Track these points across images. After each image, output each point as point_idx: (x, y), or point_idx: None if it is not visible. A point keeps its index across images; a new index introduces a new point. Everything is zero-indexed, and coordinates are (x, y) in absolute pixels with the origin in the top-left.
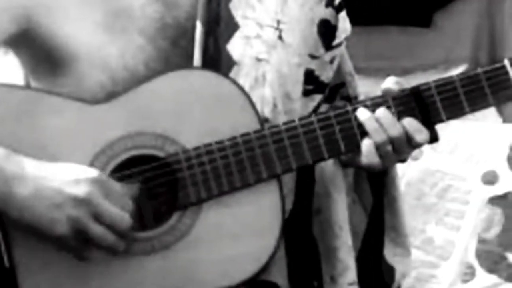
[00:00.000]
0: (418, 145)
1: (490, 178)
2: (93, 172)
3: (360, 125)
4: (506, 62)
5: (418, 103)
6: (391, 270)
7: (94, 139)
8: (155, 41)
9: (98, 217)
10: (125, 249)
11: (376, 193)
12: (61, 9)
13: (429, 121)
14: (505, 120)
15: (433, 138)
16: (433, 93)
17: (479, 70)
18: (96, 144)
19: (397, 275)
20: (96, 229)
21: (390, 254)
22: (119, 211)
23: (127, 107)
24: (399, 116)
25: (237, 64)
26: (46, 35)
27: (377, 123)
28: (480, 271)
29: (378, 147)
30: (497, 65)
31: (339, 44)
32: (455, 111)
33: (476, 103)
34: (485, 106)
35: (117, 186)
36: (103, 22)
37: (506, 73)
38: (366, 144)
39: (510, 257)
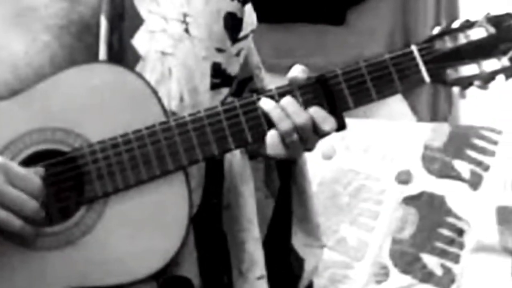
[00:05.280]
0: (324, 134)
1: (404, 178)
2: None
3: (266, 115)
4: (413, 47)
5: (325, 91)
6: (300, 261)
7: None
8: (60, 38)
9: (3, 203)
10: (30, 243)
11: (283, 180)
12: None
13: (336, 109)
14: (419, 119)
15: (341, 126)
16: (340, 80)
17: (386, 56)
18: None
19: (307, 267)
20: (2, 214)
21: (299, 243)
22: (25, 196)
23: (30, 103)
24: (306, 105)
25: (143, 59)
26: None
27: (283, 112)
28: (394, 272)
29: (284, 137)
30: (404, 50)
31: (245, 37)
32: (363, 98)
33: (384, 89)
34: (393, 92)
35: (21, 170)
36: (5, 20)
37: (413, 58)
38: (271, 135)
39: (425, 257)
